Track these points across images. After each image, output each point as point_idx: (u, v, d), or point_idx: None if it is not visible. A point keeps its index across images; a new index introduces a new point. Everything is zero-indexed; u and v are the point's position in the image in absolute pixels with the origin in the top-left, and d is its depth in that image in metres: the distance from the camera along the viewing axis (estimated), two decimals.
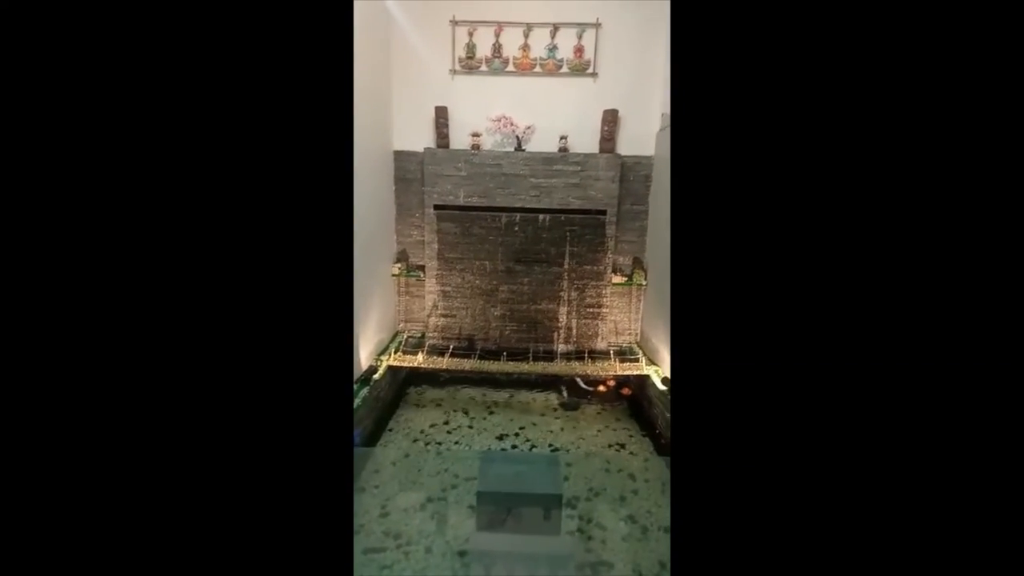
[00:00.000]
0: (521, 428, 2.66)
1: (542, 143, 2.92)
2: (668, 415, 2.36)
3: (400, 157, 3.01)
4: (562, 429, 2.68)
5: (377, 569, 1.66)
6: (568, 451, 2.46)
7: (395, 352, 2.76)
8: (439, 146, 2.90)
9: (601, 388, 2.99)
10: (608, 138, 2.86)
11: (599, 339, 3.09)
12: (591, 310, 3.06)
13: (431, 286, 3.05)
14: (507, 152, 2.88)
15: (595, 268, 3.00)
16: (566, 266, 2.99)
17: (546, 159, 2.85)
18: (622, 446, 2.53)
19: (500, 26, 2.85)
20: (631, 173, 2.97)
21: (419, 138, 2.96)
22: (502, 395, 3.08)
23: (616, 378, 2.91)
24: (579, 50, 2.87)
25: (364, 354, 2.55)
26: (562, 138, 2.88)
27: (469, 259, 3.00)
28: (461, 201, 2.91)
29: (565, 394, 3.01)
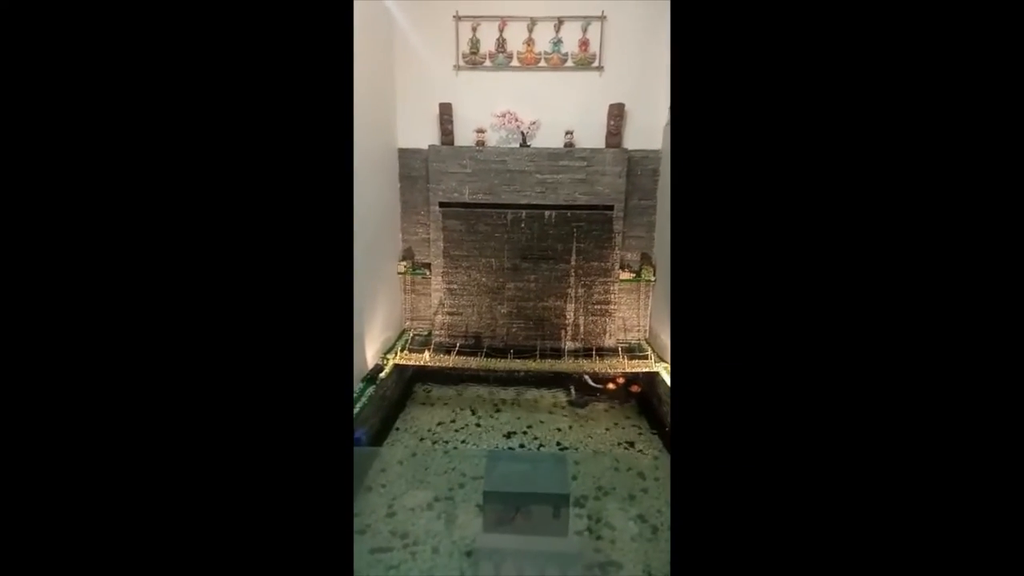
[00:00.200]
0: (529, 426, 2.64)
1: (547, 138, 2.89)
2: (670, 412, 2.32)
3: (404, 155, 2.99)
4: (570, 427, 2.65)
5: (384, 569, 1.65)
6: (576, 449, 2.43)
7: (401, 350, 2.75)
8: (444, 143, 2.88)
9: (610, 386, 2.95)
10: (614, 132, 2.82)
11: (607, 336, 3.05)
12: (599, 307, 3.02)
13: (437, 284, 3.03)
14: (512, 148, 2.85)
15: (602, 264, 2.96)
16: (573, 263, 2.96)
17: (552, 155, 2.82)
18: (631, 444, 2.50)
19: (504, 21, 2.82)
20: (638, 167, 2.93)
21: (423, 135, 2.94)
22: (509, 393, 3.06)
23: (625, 375, 2.88)
24: (584, 44, 2.83)
25: (370, 352, 2.54)
26: (568, 133, 2.84)
27: (475, 256, 2.98)
28: (466, 198, 2.89)
29: (573, 392, 2.99)
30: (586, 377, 2.97)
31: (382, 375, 2.45)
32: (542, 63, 2.86)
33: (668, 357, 2.68)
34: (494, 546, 1.63)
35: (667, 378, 2.49)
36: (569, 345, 3.05)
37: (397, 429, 2.59)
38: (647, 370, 2.69)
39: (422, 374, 3.09)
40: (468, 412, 2.79)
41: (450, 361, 2.75)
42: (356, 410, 2.14)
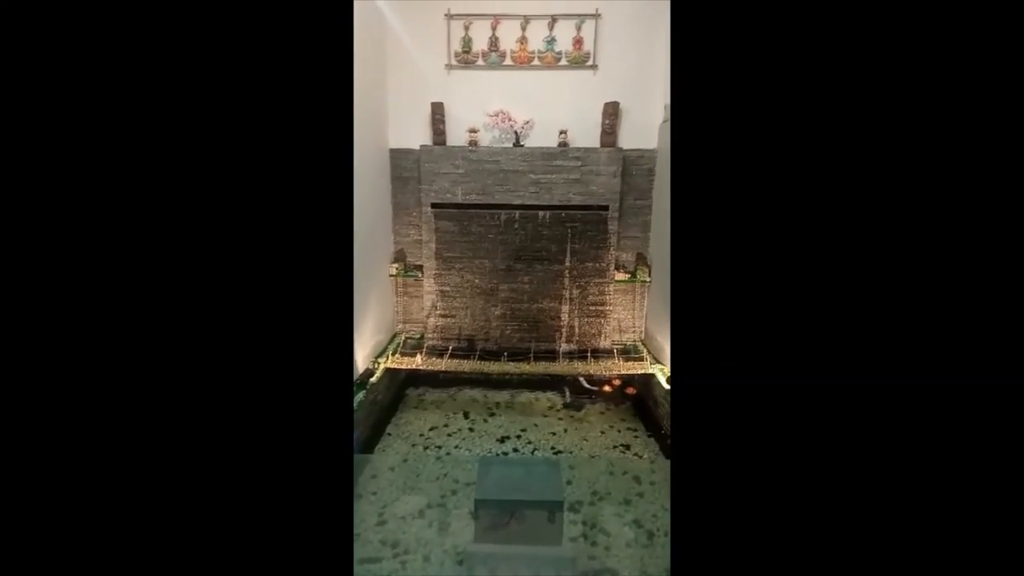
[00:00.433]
0: (523, 430, 2.60)
1: (541, 138, 2.85)
2: (670, 414, 2.29)
3: (396, 155, 2.95)
4: (565, 431, 2.61)
5: None
6: (571, 453, 2.39)
7: (393, 354, 2.70)
8: (436, 143, 2.84)
9: (606, 388, 2.92)
10: (609, 131, 2.78)
11: (602, 338, 3.02)
12: (594, 308, 2.99)
13: (429, 286, 2.99)
14: (505, 148, 2.81)
15: (597, 265, 2.93)
16: (567, 264, 2.92)
17: (546, 154, 2.78)
18: (627, 447, 2.46)
19: (496, 19, 2.78)
20: (633, 167, 2.90)
21: (415, 135, 2.90)
22: (503, 396, 3.02)
23: (620, 377, 2.85)
24: (578, 42, 2.80)
25: (360, 357, 2.49)
26: (562, 132, 2.81)
27: (468, 258, 2.93)
28: (459, 199, 2.85)
29: (568, 394, 2.95)
30: (581, 379, 2.93)
31: (372, 380, 2.41)
32: (535, 61, 2.83)
33: (664, 359, 2.65)
34: (487, 554, 1.59)
35: (663, 380, 2.46)
36: (564, 347, 3.01)
37: (389, 435, 2.55)
38: (643, 372, 2.66)
39: (415, 378, 3.05)
40: (461, 416, 2.75)
41: (443, 364, 2.71)
42: None
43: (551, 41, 2.80)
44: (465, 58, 2.83)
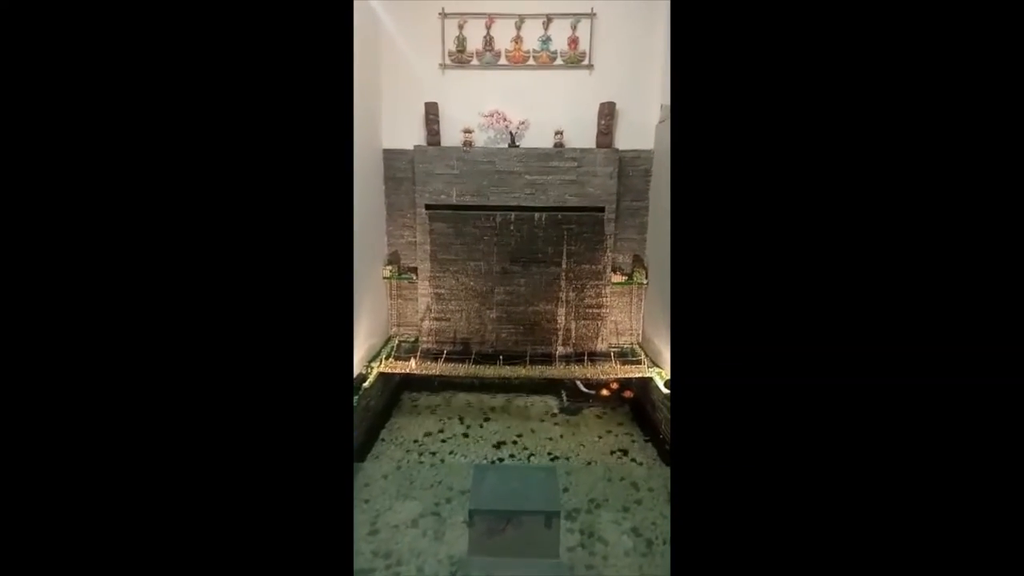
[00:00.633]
0: (519, 435, 2.56)
1: (537, 138, 2.81)
2: (670, 420, 2.25)
3: (389, 155, 2.91)
4: (561, 436, 2.57)
5: None
6: (568, 459, 2.35)
7: (387, 358, 2.66)
8: (430, 143, 2.79)
9: (604, 392, 2.88)
10: (605, 132, 2.75)
11: (599, 340, 2.98)
12: (590, 311, 2.95)
13: (424, 289, 2.94)
14: (501, 148, 2.77)
15: (594, 267, 2.89)
16: (564, 266, 2.88)
17: (541, 155, 2.74)
18: (624, 452, 2.43)
19: (491, 18, 2.74)
20: (630, 168, 2.87)
21: (409, 136, 2.86)
22: (499, 400, 2.97)
23: (618, 381, 2.81)
24: (574, 41, 2.76)
25: (354, 361, 2.44)
26: (557, 133, 2.77)
27: (463, 260, 2.89)
28: (454, 200, 2.81)
29: (565, 398, 2.91)
30: (578, 383, 2.89)
31: (365, 384, 2.36)
32: (531, 61, 2.79)
33: (661, 362, 2.61)
34: (481, 565, 1.55)
35: (660, 383, 2.42)
36: (560, 350, 2.97)
37: (382, 440, 2.50)
38: (640, 375, 2.62)
39: (409, 382, 3.00)
40: (456, 421, 2.71)
41: (437, 368, 2.66)
42: None
43: (546, 41, 2.77)
44: (459, 57, 2.79)
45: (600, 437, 2.57)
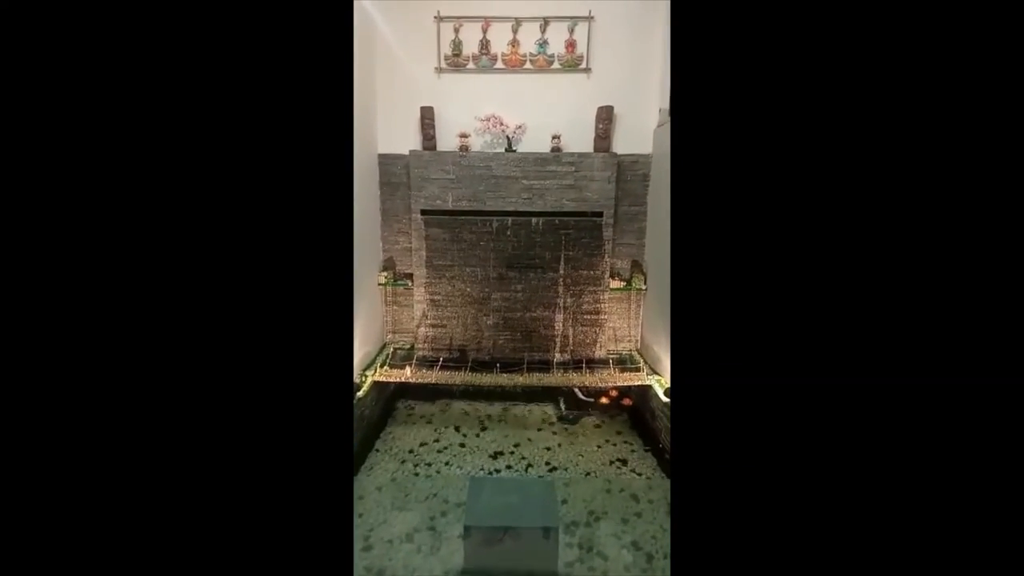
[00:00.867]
0: (516, 445, 2.51)
1: (534, 143, 2.78)
2: (670, 429, 2.21)
3: (385, 160, 2.87)
4: (559, 445, 2.53)
5: None
6: (567, 470, 2.31)
7: (381, 366, 2.61)
8: (425, 148, 2.75)
9: (603, 400, 2.84)
10: (603, 136, 2.71)
11: (597, 347, 2.94)
12: (588, 317, 2.91)
13: (420, 295, 2.90)
14: (497, 153, 2.74)
15: (592, 273, 2.85)
16: (561, 271, 2.84)
17: (538, 160, 2.71)
18: (624, 462, 2.38)
19: (487, 21, 2.71)
20: (628, 172, 2.83)
21: (404, 140, 2.82)
22: (496, 408, 2.93)
23: (616, 388, 2.77)
24: (571, 45, 2.73)
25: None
26: (555, 137, 2.74)
27: (459, 266, 2.85)
28: (450, 205, 2.77)
29: (563, 406, 2.86)
30: (576, 390, 2.85)
31: (360, 393, 2.31)
32: (527, 65, 2.76)
33: (660, 368, 2.57)
34: None
35: (660, 391, 2.38)
36: (558, 357, 2.93)
37: (377, 451, 2.45)
38: (639, 383, 2.58)
39: (404, 389, 2.95)
40: (452, 430, 2.66)
41: (433, 376, 2.62)
42: None
43: (543, 44, 2.74)
44: (455, 61, 2.76)
45: (599, 447, 2.53)
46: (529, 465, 2.34)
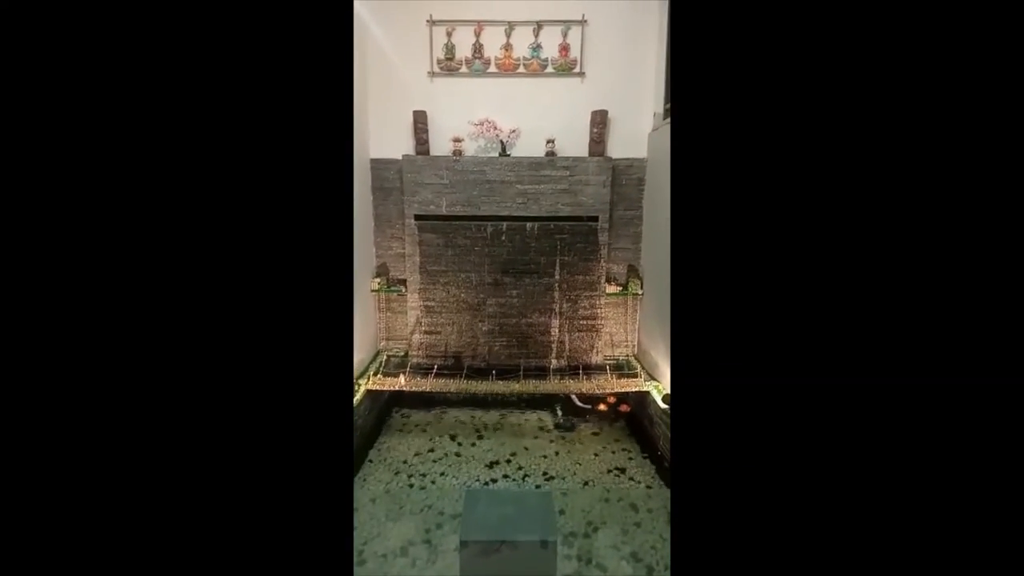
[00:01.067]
0: (513, 454, 2.47)
1: (528, 147, 2.75)
2: (670, 435, 2.18)
3: (377, 165, 2.83)
4: (557, 454, 2.48)
5: None
6: (564, 479, 2.27)
7: (375, 374, 2.56)
8: (419, 153, 2.72)
9: (601, 406, 2.80)
10: (598, 140, 2.69)
11: (594, 353, 2.91)
12: (585, 322, 2.88)
13: (414, 301, 2.86)
14: (491, 157, 2.71)
15: (588, 278, 2.83)
16: (557, 276, 2.82)
17: (533, 164, 2.68)
18: (622, 470, 2.35)
19: (480, 25, 2.69)
20: (623, 176, 2.81)
21: (397, 145, 2.79)
22: (492, 416, 2.88)
23: (614, 395, 2.73)
24: (564, 49, 2.71)
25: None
26: (549, 141, 2.71)
27: (454, 272, 2.81)
28: (444, 210, 2.73)
29: (560, 413, 2.83)
30: (573, 397, 2.81)
31: (353, 403, 2.26)
32: (521, 69, 2.74)
33: (658, 374, 2.54)
34: None
35: (658, 398, 2.35)
36: (554, 363, 2.89)
37: (370, 461, 2.40)
38: (637, 389, 2.55)
39: (399, 397, 2.91)
40: (448, 439, 2.61)
41: (428, 384, 2.57)
42: None
43: (537, 48, 2.72)
44: (448, 65, 2.73)
45: (596, 454, 2.49)
46: (526, 475, 2.30)
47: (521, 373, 2.72)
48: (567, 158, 2.70)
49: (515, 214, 2.73)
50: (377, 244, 2.94)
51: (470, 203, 2.72)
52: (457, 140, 2.72)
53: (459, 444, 2.56)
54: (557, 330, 2.88)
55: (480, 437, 2.64)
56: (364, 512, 2.00)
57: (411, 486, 2.20)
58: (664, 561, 1.75)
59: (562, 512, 2.00)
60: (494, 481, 2.25)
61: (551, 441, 2.62)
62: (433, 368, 2.74)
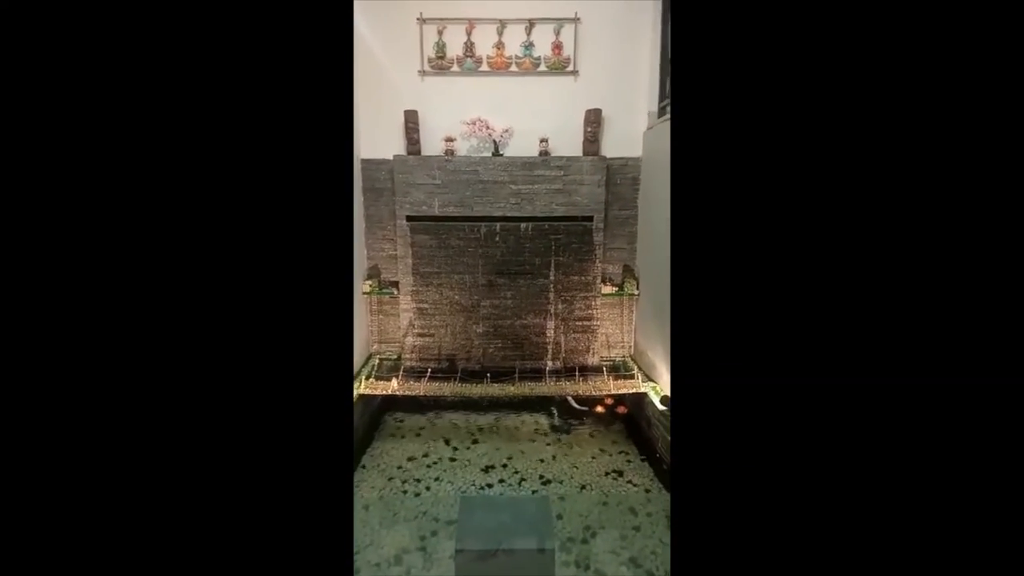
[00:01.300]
0: (509, 458, 2.42)
1: (521, 147, 2.72)
2: (668, 437, 2.15)
3: (368, 166, 2.78)
4: (554, 457, 2.45)
5: None
6: (561, 483, 2.23)
7: (367, 378, 2.52)
8: (410, 153, 2.68)
9: (598, 408, 2.77)
10: (592, 139, 2.67)
11: (590, 354, 2.87)
12: (580, 323, 2.85)
13: (406, 303, 2.81)
14: (484, 157, 2.67)
15: (583, 278, 2.79)
16: (552, 277, 2.78)
17: (526, 164, 2.65)
18: (620, 474, 2.31)
19: (471, 23, 2.65)
20: (618, 176, 2.79)
21: (388, 145, 2.74)
22: (487, 419, 2.84)
23: (611, 397, 2.70)
24: (557, 47, 2.69)
25: None
26: (543, 141, 2.68)
27: (447, 273, 2.77)
28: (436, 211, 2.69)
29: (556, 416, 2.79)
30: (569, 399, 2.78)
31: None
32: (513, 68, 2.71)
33: (655, 375, 2.51)
34: None
35: (656, 399, 2.32)
36: (550, 365, 2.86)
37: (363, 467, 2.35)
38: (634, 391, 2.52)
39: (392, 401, 2.86)
40: (442, 443, 2.57)
41: (421, 388, 2.53)
42: None
43: (529, 46, 2.69)
44: (439, 64, 2.70)
45: (594, 457, 2.46)
46: (522, 479, 2.26)
47: (516, 375, 2.68)
48: (561, 158, 2.67)
49: (509, 214, 2.69)
50: (368, 246, 2.89)
51: (463, 203, 2.68)
52: (449, 140, 2.68)
53: (454, 448, 2.52)
54: (553, 331, 2.84)
55: (475, 441, 2.60)
56: (357, 519, 1.95)
57: (405, 492, 2.15)
58: (664, 566, 1.71)
59: (559, 517, 1.96)
60: (490, 486, 2.21)
61: (548, 444, 2.58)
62: (427, 371, 2.70)
